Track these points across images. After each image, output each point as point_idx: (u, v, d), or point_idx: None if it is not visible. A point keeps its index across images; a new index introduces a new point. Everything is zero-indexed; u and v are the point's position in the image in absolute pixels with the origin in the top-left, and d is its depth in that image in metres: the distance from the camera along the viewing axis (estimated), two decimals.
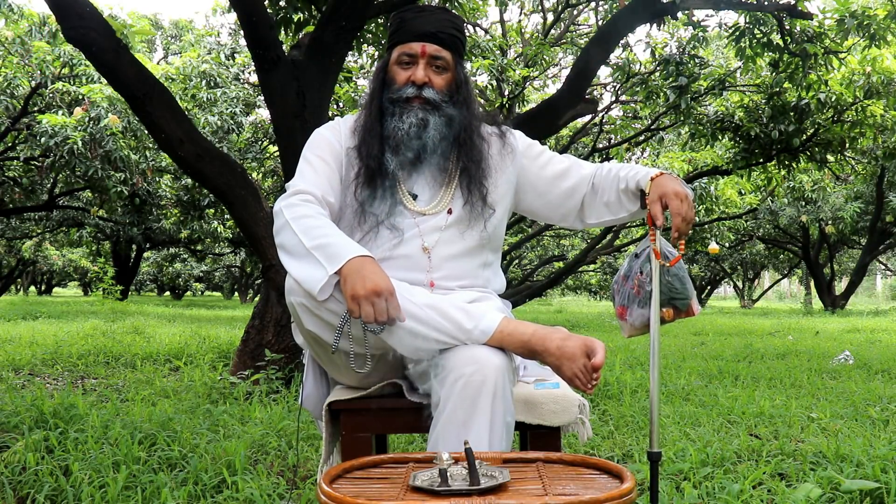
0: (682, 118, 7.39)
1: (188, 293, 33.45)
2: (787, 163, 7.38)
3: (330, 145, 1.73)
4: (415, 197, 1.70)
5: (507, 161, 1.79)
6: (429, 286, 1.65)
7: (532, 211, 1.88)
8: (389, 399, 1.62)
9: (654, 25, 5.48)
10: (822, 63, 5.93)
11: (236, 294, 29.90)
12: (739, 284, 26.34)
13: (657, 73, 7.11)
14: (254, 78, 10.68)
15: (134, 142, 9.00)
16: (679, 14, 4.98)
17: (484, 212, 1.71)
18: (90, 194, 11.60)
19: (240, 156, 11.37)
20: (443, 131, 1.68)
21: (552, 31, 9.49)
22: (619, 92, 8.62)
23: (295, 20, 4.69)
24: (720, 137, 7.51)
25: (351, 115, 1.82)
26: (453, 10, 1.85)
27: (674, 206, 1.60)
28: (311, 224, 1.53)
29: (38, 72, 8.43)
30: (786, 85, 6.51)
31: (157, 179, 11.51)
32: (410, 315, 1.48)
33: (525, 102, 7.87)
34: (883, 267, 27.75)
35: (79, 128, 8.10)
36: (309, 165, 1.71)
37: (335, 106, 7.59)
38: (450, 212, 1.70)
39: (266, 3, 4.22)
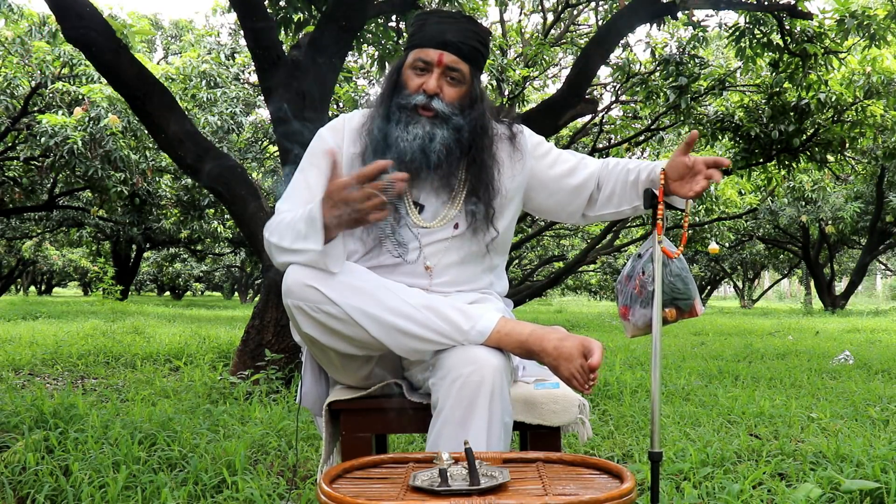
0: (682, 118, 7.39)
1: (188, 293, 33.45)
2: (787, 163, 7.37)
3: (331, 151, 1.71)
4: (420, 209, 1.66)
5: (517, 166, 1.75)
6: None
7: (541, 210, 1.86)
8: (389, 399, 1.62)
9: (654, 25, 5.49)
10: (822, 63, 5.93)
11: (236, 294, 29.91)
12: (739, 284, 26.35)
13: (657, 73, 7.11)
14: (254, 78, 10.68)
15: (134, 142, 9.00)
16: (679, 14, 4.98)
17: (489, 231, 1.68)
18: (90, 194, 11.61)
19: (240, 156, 11.38)
20: (449, 146, 1.62)
21: (552, 31, 9.49)
22: (619, 92, 8.61)
23: (295, 20, 4.69)
24: (720, 137, 7.51)
25: (359, 112, 1.77)
26: (467, 14, 1.77)
27: (708, 159, 1.59)
28: (283, 228, 1.53)
29: (38, 72, 8.44)
30: (786, 85, 6.51)
31: (157, 179, 11.51)
32: (407, 317, 1.47)
33: (525, 102, 7.87)
34: (883, 267, 27.75)
35: (79, 128, 8.11)
36: (302, 178, 1.68)
37: (335, 106, 7.60)
38: (456, 226, 1.67)
39: (266, 3, 4.22)
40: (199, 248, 19.28)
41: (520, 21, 10.22)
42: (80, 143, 7.98)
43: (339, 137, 1.72)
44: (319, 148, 1.71)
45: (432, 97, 1.62)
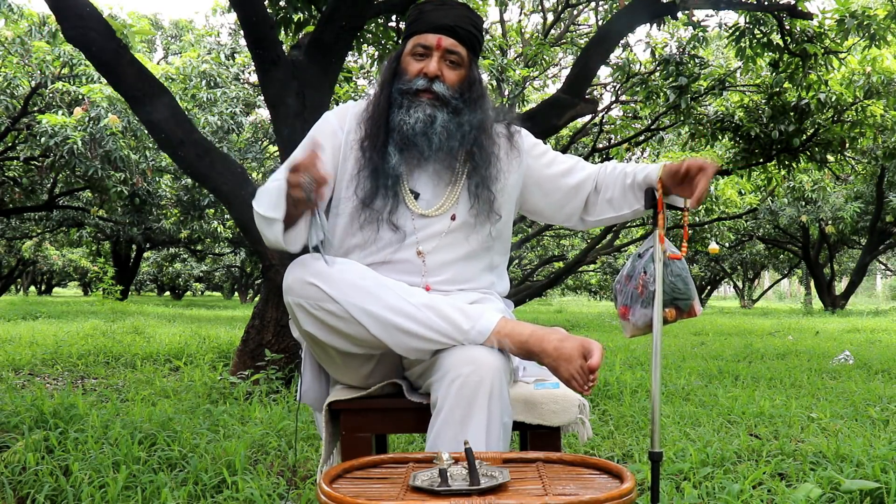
0: (682, 118, 7.39)
1: (188, 293, 33.44)
2: (787, 163, 7.37)
3: (333, 133, 1.72)
4: (417, 196, 1.67)
5: (513, 163, 1.76)
6: (424, 290, 1.64)
7: (537, 211, 1.86)
8: (389, 399, 1.62)
9: (654, 25, 5.49)
10: (822, 63, 5.93)
11: (236, 294, 29.90)
12: (739, 284, 26.34)
13: (657, 73, 7.11)
14: (254, 78, 10.69)
15: (134, 142, 9.00)
16: (679, 14, 4.98)
17: (490, 218, 1.68)
18: (90, 194, 11.61)
19: (240, 156, 11.38)
20: (450, 128, 1.65)
21: (552, 31, 9.50)
22: (619, 92, 8.62)
23: (295, 20, 4.69)
24: (720, 137, 7.51)
25: (363, 101, 1.79)
26: (461, 1, 1.82)
27: (700, 163, 1.59)
28: (262, 193, 1.57)
29: (38, 72, 8.44)
30: (786, 85, 6.51)
31: (157, 179, 11.51)
32: (407, 315, 1.47)
33: (525, 102, 7.87)
34: (883, 267, 27.75)
35: (79, 128, 8.11)
36: (302, 152, 1.70)
37: (335, 106, 7.60)
38: (453, 218, 1.67)
39: (266, 3, 4.22)
40: (199, 248, 19.28)
41: (520, 21, 10.23)
42: (80, 143, 7.98)
43: (342, 121, 1.74)
44: (321, 128, 1.75)
45: (433, 80, 1.65)
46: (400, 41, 5.15)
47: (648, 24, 5.37)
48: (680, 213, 1.69)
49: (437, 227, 1.67)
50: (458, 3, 1.72)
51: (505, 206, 1.74)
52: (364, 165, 1.66)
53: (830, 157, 8.02)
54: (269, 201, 1.53)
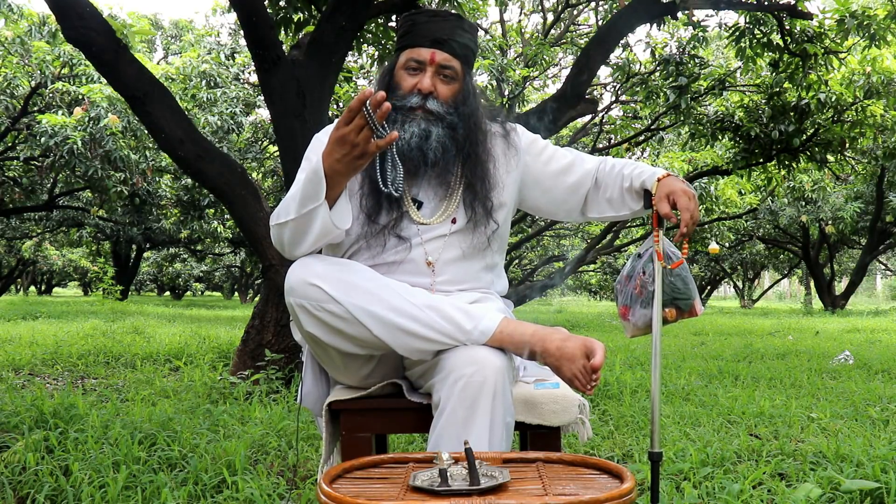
0: (682, 118, 7.39)
1: (188, 293, 33.44)
2: (787, 163, 7.37)
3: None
4: (419, 206, 1.67)
5: (511, 162, 1.76)
6: (429, 291, 1.64)
7: (536, 207, 1.87)
8: (389, 399, 1.62)
9: (654, 25, 5.49)
10: (822, 63, 5.93)
11: (236, 294, 29.90)
12: (739, 284, 26.34)
13: (657, 73, 7.12)
14: (254, 78, 10.68)
15: (134, 142, 9.01)
16: (679, 14, 4.98)
17: (489, 225, 1.69)
18: (90, 194, 11.61)
19: (240, 156, 11.37)
20: (445, 143, 1.64)
21: (552, 31, 9.50)
22: (619, 92, 8.62)
23: (295, 20, 4.69)
24: (720, 137, 7.51)
25: None
26: (454, 11, 1.81)
27: (682, 202, 1.60)
28: (287, 204, 1.54)
29: (38, 72, 8.44)
30: (786, 85, 6.51)
31: (157, 179, 11.51)
32: (410, 316, 1.47)
33: (525, 102, 7.87)
34: (883, 267, 27.74)
35: (79, 128, 8.11)
36: (304, 174, 1.70)
37: (335, 106, 7.59)
38: (454, 221, 1.68)
39: (266, 3, 4.22)
40: (199, 248, 19.28)
41: (520, 21, 10.23)
42: (80, 143, 7.98)
43: None
44: (316, 148, 1.73)
45: (427, 97, 1.64)
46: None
47: (648, 24, 5.37)
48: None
49: (440, 231, 1.68)
50: (452, 14, 1.69)
51: (503, 209, 1.74)
52: (364, 182, 1.66)
53: (830, 157, 8.02)
54: (303, 197, 1.50)
